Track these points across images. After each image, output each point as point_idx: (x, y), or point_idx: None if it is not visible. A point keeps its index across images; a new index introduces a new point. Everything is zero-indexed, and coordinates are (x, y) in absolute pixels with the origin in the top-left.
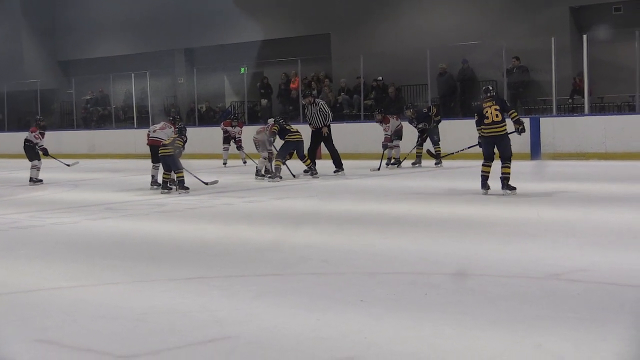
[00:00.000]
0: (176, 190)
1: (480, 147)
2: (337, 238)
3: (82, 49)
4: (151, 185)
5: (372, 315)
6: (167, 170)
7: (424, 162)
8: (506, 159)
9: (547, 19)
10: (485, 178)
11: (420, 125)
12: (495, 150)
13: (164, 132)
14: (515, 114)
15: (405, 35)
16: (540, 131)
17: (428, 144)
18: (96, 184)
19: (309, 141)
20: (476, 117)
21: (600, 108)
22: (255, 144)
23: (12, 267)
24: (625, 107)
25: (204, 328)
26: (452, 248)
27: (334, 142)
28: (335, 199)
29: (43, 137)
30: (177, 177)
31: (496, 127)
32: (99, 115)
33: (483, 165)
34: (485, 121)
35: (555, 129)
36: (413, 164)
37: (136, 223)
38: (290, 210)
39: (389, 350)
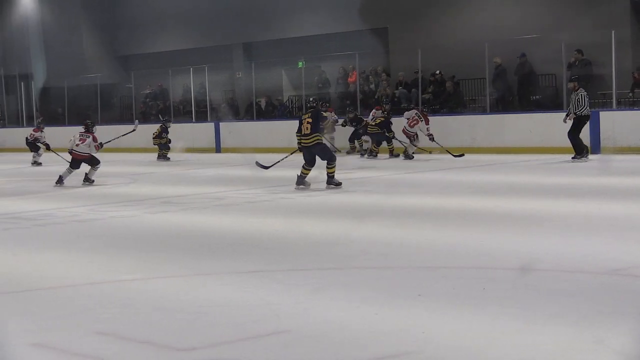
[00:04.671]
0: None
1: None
2: (397, 232)
3: (141, 43)
4: None
5: (430, 310)
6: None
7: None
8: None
9: (608, 13)
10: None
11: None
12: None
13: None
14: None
15: (464, 29)
16: (600, 125)
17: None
18: (155, 178)
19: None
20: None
21: None
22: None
23: (73, 260)
24: None
25: (262, 321)
26: (512, 243)
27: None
28: (396, 193)
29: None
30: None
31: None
32: (158, 110)
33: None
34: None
35: (615, 123)
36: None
37: (195, 217)
38: (351, 205)
39: (446, 345)
